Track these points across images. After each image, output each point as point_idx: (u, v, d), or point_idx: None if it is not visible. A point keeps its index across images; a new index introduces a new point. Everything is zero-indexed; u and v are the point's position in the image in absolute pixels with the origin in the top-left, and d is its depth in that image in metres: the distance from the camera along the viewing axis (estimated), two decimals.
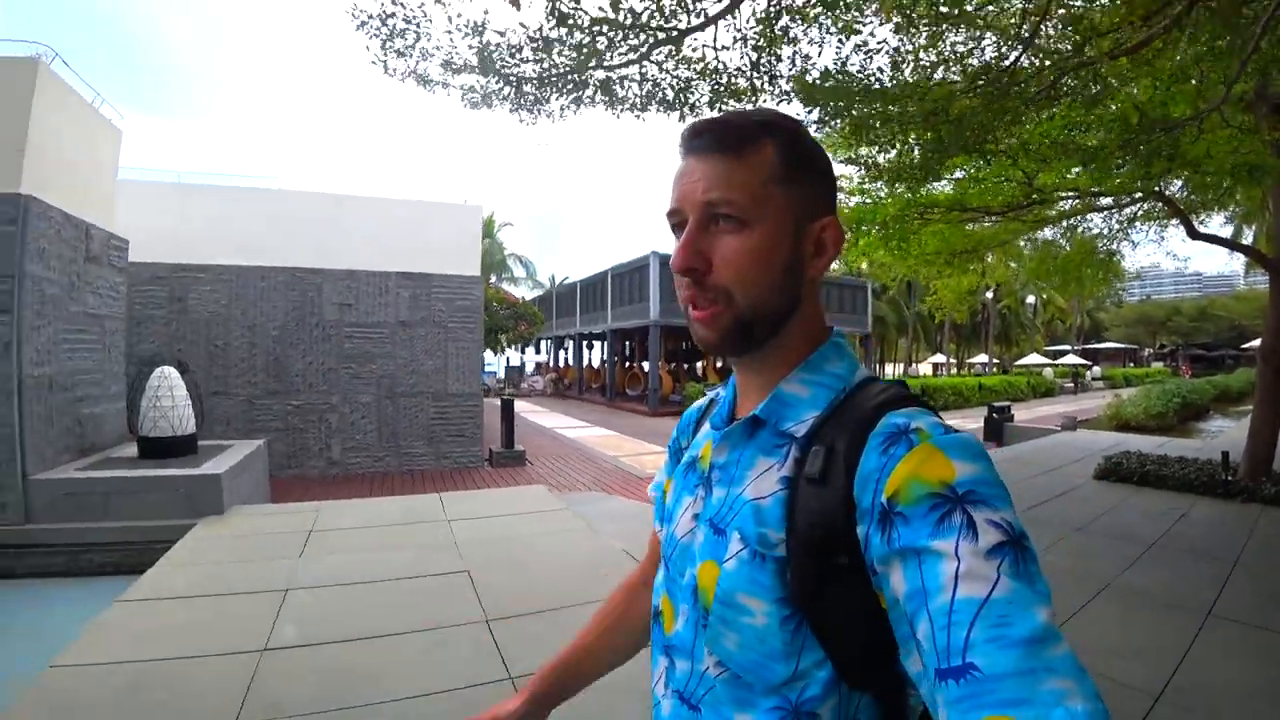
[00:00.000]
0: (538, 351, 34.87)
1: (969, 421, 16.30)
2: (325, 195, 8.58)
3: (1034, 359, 33.69)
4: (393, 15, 4.36)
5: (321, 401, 8.26)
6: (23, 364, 4.90)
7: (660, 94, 5.13)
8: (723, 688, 0.58)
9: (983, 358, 34.91)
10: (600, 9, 4.30)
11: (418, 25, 4.46)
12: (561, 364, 31.38)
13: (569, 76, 4.92)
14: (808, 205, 0.59)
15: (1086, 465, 7.53)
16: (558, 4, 4.23)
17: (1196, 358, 40.88)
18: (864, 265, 10.98)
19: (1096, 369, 34.97)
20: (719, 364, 21.61)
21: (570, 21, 4.35)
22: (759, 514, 0.57)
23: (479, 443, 9.33)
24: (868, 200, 8.11)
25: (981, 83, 4.44)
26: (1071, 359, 34.19)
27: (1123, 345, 44.08)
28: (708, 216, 0.58)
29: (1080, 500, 6.18)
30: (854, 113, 5.05)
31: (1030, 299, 37.04)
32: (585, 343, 27.61)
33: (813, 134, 0.63)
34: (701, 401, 0.80)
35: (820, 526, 0.52)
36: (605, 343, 24.26)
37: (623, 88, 5.11)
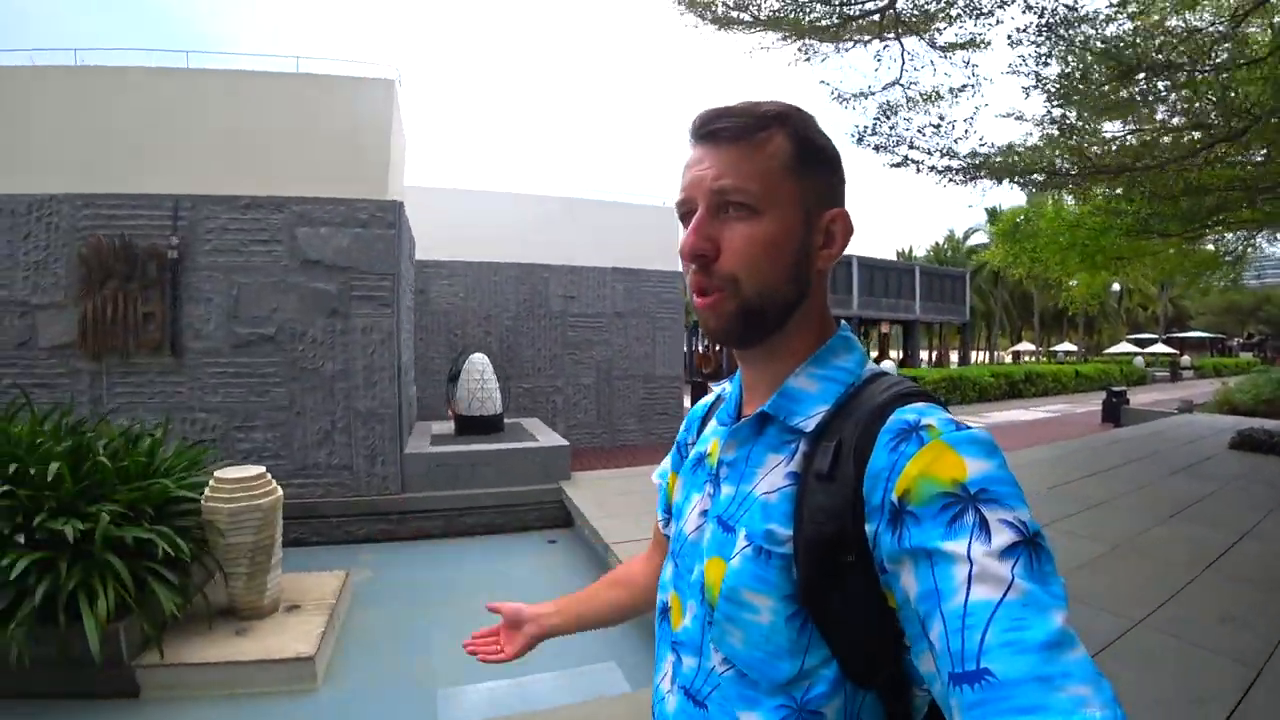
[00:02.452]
0: None
1: (1077, 406, 16.59)
2: (556, 199, 9.29)
3: (1124, 348, 33.00)
4: None
5: (549, 384, 8.98)
6: (400, 353, 5.64)
7: None
8: (729, 685, 0.59)
9: (1067, 345, 34.35)
10: None
11: None
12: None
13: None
14: (818, 196, 0.60)
15: (1219, 439, 8.28)
16: None
17: None
18: (1010, 268, 11.39)
19: (1186, 358, 34.08)
20: None
21: None
22: (766, 510, 0.57)
23: (681, 419, 10.05)
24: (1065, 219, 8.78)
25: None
26: (1160, 348, 33.39)
27: (1209, 334, 42.72)
28: (718, 204, 0.59)
29: (1223, 463, 6.96)
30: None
31: (1115, 286, 36.20)
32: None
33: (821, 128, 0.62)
34: (708, 398, 0.81)
35: (828, 523, 0.52)
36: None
37: None
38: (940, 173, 6.69)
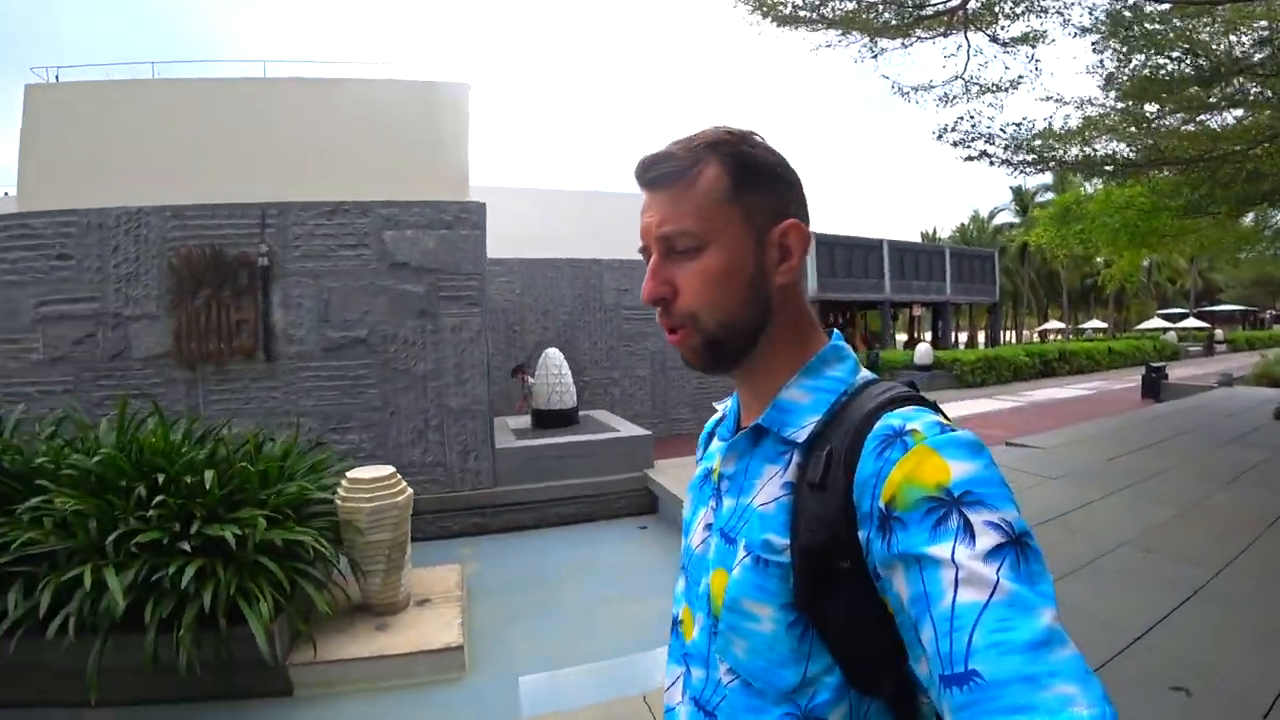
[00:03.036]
0: None
1: (1113, 383, 16.58)
2: (610, 194, 9.34)
3: (1155, 323, 32.61)
4: None
5: (605, 376, 9.08)
6: (488, 351, 5.74)
7: None
8: (735, 695, 0.60)
9: (1096, 323, 34.01)
10: None
11: None
12: None
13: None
14: (765, 214, 0.61)
15: (1262, 411, 8.53)
16: None
17: None
18: (1053, 246, 11.49)
19: (1219, 332, 33.61)
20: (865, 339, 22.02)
21: None
22: (764, 520, 0.58)
23: None
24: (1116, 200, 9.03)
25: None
26: (1191, 322, 32.96)
27: (1240, 307, 42.02)
28: (666, 248, 0.61)
29: (1270, 433, 7.21)
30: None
31: (1145, 260, 35.82)
32: None
33: (764, 142, 0.64)
34: (715, 416, 0.81)
35: (822, 531, 0.53)
36: None
37: None
38: (1014, 165, 6.85)
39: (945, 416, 0.55)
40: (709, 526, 0.67)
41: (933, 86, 7.04)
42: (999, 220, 37.11)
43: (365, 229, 5.47)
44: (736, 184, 0.59)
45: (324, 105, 9.06)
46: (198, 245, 5.42)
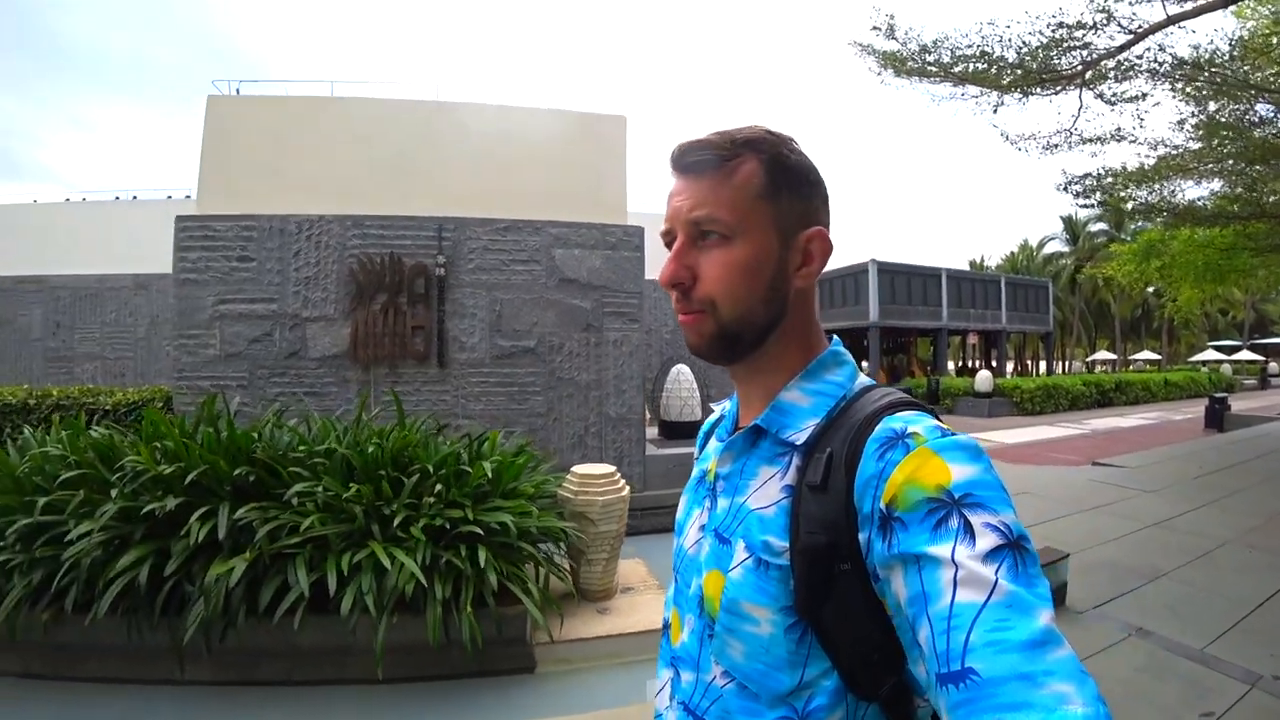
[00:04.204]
0: None
1: (1172, 413, 16.64)
2: None
3: (1208, 355, 32.19)
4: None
5: (722, 394, 9.38)
6: (644, 364, 6.11)
7: None
8: (730, 698, 0.59)
9: (1147, 354, 33.64)
10: None
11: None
12: None
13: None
14: (794, 218, 0.62)
15: None
16: None
17: None
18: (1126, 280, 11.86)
19: (1273, 365, 33.09)
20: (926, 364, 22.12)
21: None
22: (763, 523, 0.58)
23: None
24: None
25: None
26: (1244, 354, 32.50)
27: None
28: (695, 233, 0.61)
29: None
30: None
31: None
32: None
33: (801, 148, 0.65)
34: (714, 416, 0.81)
35: (822, 533, 0.53)
36: None
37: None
38: (1129, 214, 7.49)
39: (943, 422, 0.56)
40: (703, 528, 0.67)
41: (1038, 135, 7.50)
42: (1049, 249, 37.03)
43: (536, 246, 5.89)
44: (772, 184, 0.61)
45: (494, 130, 9.60)
46: (378, 253, 5.82)
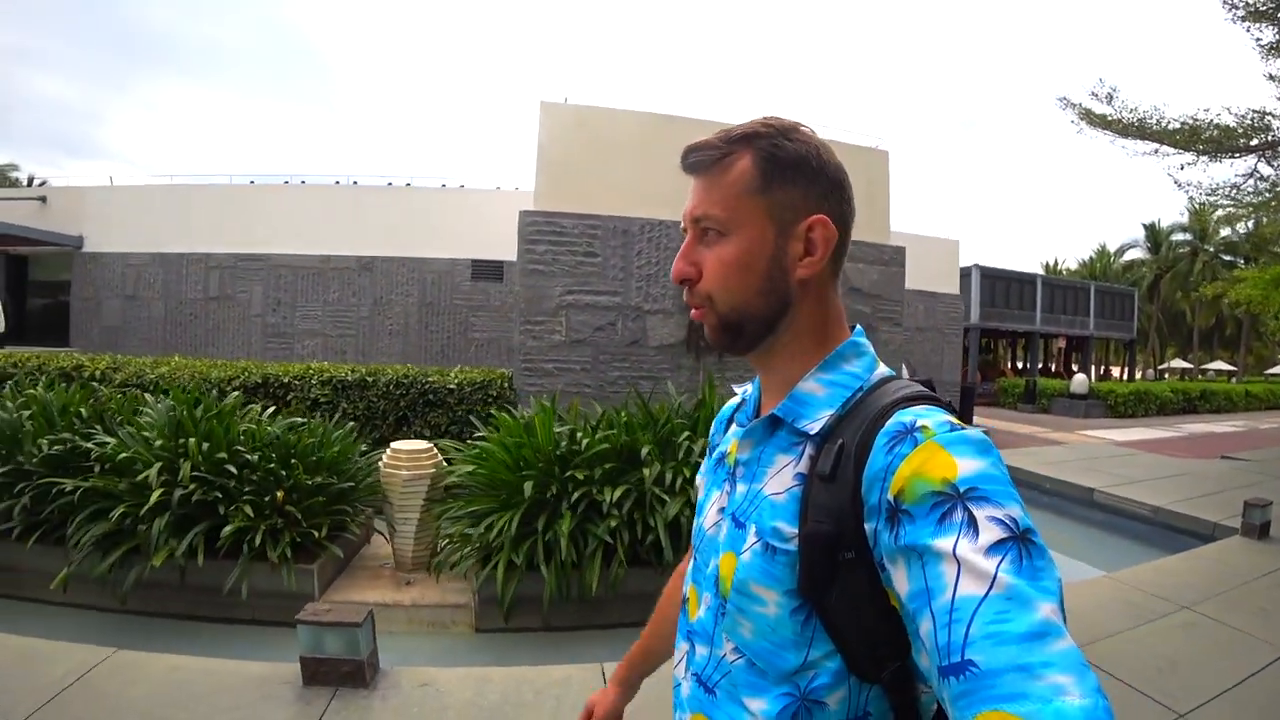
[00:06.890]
0: None
1: (1258, 423, 16.83)
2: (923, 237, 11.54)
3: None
4: None
5: None
6: (903, 364, 7.92)
7: None
8: (739, 673, 0.63)
9: (1221, 364, 34.19)
10: None
11: None
12: None
13: None
14: (793, 208, 0.62)
15: None
16: None
17: None
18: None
19: None
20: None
21: None
22: (775, 509, 0.60)
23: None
24: None
25: None
26: None
27: None
28: (699, 231, 0.64)
29: None
30: None
31: None
32: None
33: (808, 135, 0.64)
34: (734, 400, 0.82)
35: (828, 522, 0.55)
36: None
37: None
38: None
39: (957, 417, 0.56)
40: (722, 510, 0.68)
41: (1214, 190, 9.20)
42: (1128, 256, 37.36)
43: None
44: (764, 177, 0.62)
45: None
46: None
